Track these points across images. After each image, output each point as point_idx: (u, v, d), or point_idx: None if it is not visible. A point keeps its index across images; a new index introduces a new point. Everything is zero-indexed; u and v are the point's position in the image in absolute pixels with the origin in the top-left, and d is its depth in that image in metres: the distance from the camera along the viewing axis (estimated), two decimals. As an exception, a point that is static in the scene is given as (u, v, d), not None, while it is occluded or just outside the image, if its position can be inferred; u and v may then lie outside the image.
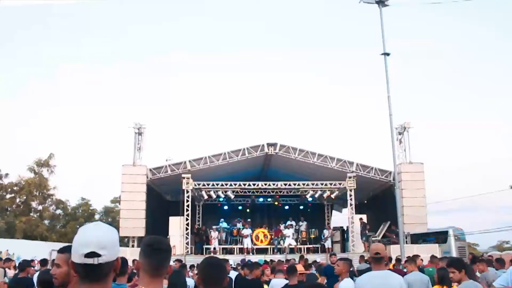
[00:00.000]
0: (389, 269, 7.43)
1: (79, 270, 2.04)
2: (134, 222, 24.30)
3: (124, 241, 26.64)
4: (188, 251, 24.86)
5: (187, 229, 25.20)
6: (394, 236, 25.16)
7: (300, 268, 6.19)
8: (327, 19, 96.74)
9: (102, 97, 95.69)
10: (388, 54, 18.59)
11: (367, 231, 25.92)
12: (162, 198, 30.32)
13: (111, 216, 50.05)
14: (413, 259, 10.60)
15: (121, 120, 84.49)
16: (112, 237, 2.11)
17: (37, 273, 7.64)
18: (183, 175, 25.38)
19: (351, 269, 8.59)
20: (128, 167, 25.40)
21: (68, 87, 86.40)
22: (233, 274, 10.22)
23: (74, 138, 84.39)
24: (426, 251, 20.31)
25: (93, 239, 2.04)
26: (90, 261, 2.00)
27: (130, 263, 11.51)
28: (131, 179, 25.10)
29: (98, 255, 2.01)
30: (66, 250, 3.11)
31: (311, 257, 20.15)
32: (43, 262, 12.03)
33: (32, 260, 16.30)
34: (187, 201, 25.31)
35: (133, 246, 24.50)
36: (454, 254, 27.23)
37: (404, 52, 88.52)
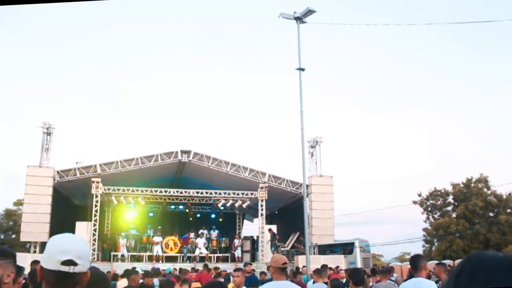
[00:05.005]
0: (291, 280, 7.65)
1: (51, 277, 2.02)
2: (38, 226, 23.14)
3: (25, 246, 25.35)
4: (94, 258, 24.09)
5: (94, 235, 24.46)
6: (302, 247, 25.72)
7: (195, 285, 6.39)
8: (247, 30, 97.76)
9: (11, 92, 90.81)
10: (303, 69, 18.90)
11: (276, 241, 26.35)
12: (70, 202, 29.17)
13: (12, 220, 47.38)
14: (319, 270, 10.85)
15: (29, 118, 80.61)
16: (87, 249, 2.16)
17: None
18: (92, 179, 24.69)
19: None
20: (33, 169, 24.24)
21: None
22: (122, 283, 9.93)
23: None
24: (332, 262, 20.95)
25: (73, 247, 2.06)
26: (66, 269, 2.00)
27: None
28: (36, 181, 23.97)
29: (75, 264, 2.01)
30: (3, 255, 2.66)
31: (220, 266, 20.22)
32: None
33: None
34: (96, 206, 24.62)
35: (34, 252, 23.29)
36: (359, 265, 28.40)
37: (319, 66, 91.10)
